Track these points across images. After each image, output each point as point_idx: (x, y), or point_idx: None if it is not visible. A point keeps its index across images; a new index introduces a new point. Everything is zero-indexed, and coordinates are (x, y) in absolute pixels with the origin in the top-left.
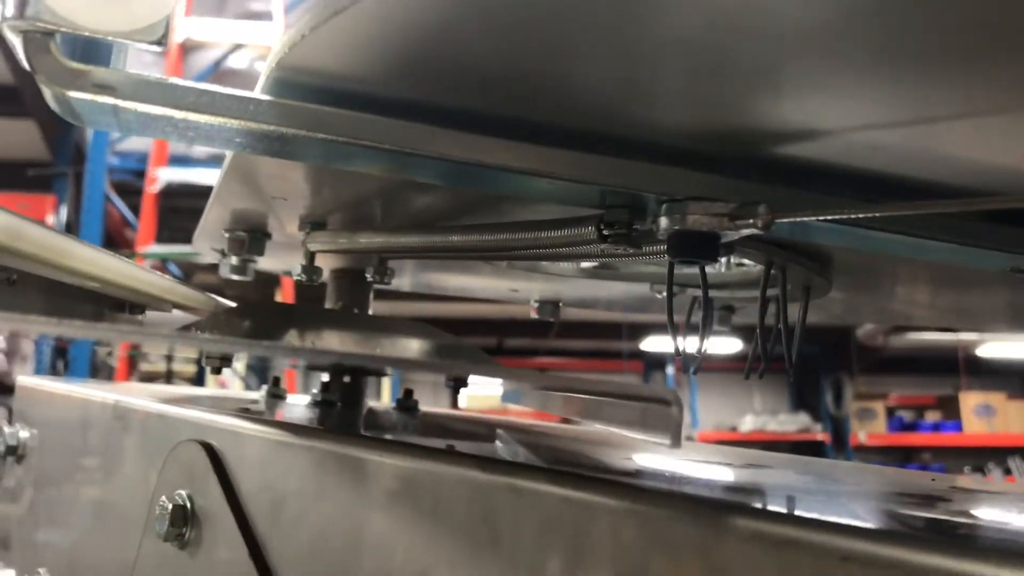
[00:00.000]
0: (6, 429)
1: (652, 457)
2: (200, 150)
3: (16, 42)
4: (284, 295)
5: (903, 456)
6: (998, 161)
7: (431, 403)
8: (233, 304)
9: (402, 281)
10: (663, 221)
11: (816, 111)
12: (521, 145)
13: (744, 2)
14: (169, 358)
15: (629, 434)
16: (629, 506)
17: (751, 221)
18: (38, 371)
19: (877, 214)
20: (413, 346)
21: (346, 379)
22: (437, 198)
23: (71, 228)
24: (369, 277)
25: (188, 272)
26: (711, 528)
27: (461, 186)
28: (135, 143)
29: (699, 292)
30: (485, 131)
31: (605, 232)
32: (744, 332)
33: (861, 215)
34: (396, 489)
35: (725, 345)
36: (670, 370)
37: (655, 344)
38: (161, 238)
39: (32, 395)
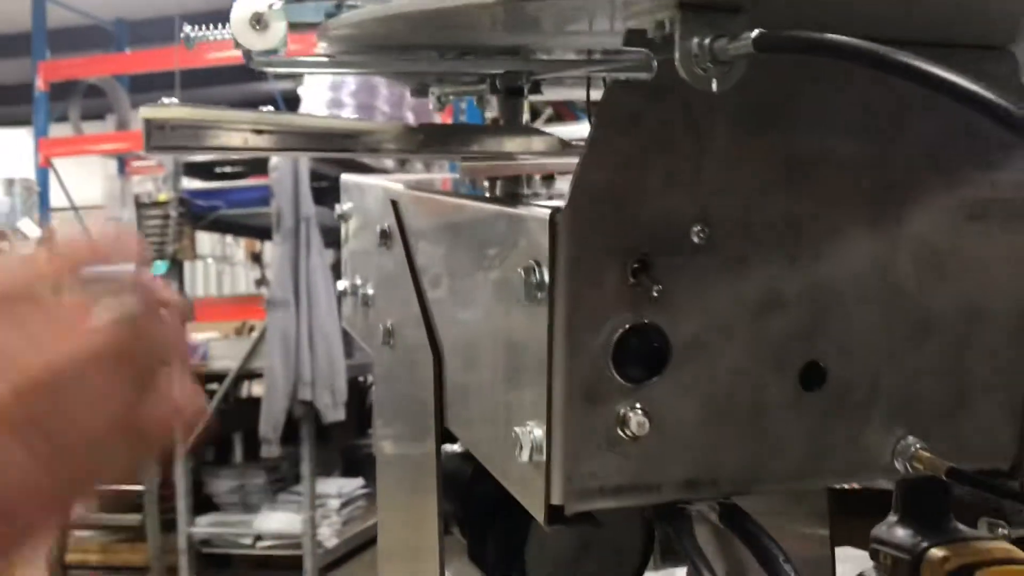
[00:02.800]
0: (337, 205)
1: None
2: None
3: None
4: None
5: None
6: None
7: None
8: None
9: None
10: (499, 82)
11: (535, 38)
12: (443, 61)
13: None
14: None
15: None
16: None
17: (524, 79)
18: None
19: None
20: (533, 143)
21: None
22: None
23: None
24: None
25: None
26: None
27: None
28: None
29: None
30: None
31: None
32: None
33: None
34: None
35: None
36: None
37: None
38: None
39: (347, 184)
